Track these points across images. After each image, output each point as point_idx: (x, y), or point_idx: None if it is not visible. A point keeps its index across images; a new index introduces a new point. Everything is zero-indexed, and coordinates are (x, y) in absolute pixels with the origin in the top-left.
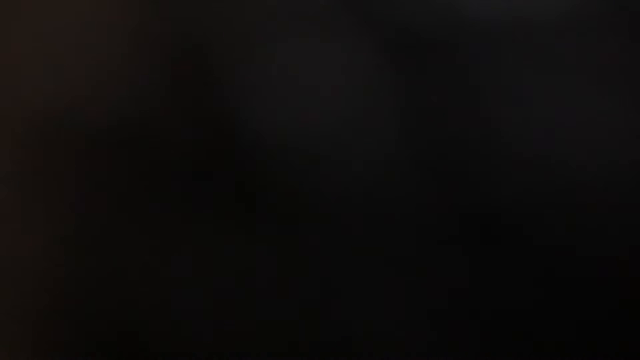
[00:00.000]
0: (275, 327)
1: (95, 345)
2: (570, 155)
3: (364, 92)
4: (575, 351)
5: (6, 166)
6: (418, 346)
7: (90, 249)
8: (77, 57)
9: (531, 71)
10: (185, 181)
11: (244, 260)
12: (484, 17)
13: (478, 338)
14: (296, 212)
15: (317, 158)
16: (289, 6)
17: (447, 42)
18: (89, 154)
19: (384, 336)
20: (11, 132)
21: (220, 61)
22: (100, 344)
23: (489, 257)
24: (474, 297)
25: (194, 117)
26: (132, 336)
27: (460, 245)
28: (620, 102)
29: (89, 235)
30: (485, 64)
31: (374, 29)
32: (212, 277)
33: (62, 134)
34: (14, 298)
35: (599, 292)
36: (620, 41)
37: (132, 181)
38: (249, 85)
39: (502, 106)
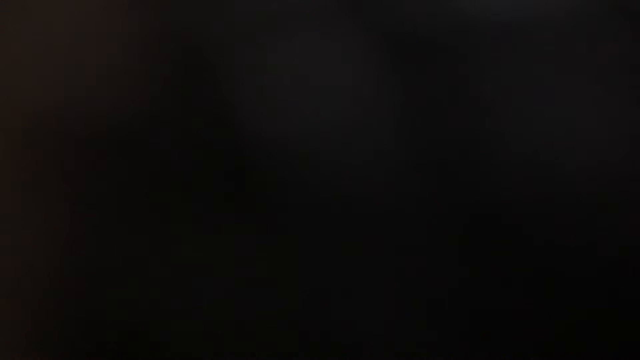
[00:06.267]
0: (275, 327)
1: (95, 345)
2: (570, 155)
3: (364, 92)
4: (576, 351)
5: (5, 166)
6: (417, 346)
7: (89, 248)
8: (76, 57)
9: (531, 71)
10: (185, 181)
11: (243, 260)
12: (484, 17)
13: (478, 338)
14: (296, 211)
15: (317, 158)
16: (289, 6)
17: (447, 42)
18: (88, 153)
19: (383, 336)
20: (10, 132)
21: (220, 61)
22: (100, 344)
23: (489, 257)
24: (474, 296)
25: (194, 117)
26: (132, 336)
27: (460, 244)
28: (621, 102)
29: (88, 235)
30: (485, 64)
31: (374, 29)
32: (212, 277)
33: (62, 134)
34: (13, 298)
35: (599, 292)
36: (620, 41)
37: (132, 181)
38: (249, 85)
39: (502, 106)
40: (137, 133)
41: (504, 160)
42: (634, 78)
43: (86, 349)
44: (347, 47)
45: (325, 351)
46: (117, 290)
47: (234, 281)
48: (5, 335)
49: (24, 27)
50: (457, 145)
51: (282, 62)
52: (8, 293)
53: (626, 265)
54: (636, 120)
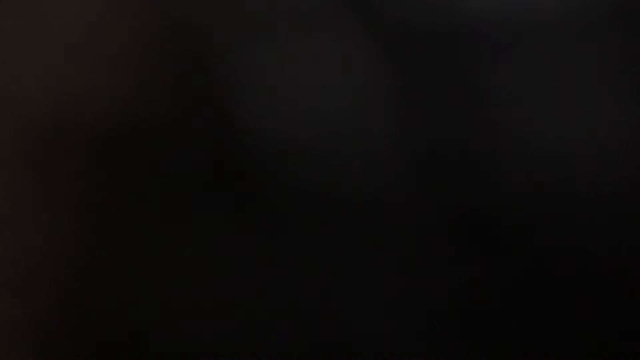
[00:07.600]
0: (274, 327)
1: (95, 345)
2: (570, 155)
3: (364, 92)
4: (575, 351)
5: (6, 166)
6: (418, 346)
7: (89, 249)
8: (77, 57)
9: (531, 71)
10: (185, 181)
11: (243, 260)
12: (484, 17)
13: (478, 338)
14: (296, 211)
15: (316, 158)
16: (289, 6)
17: (447, 42)
18: (89, 153)
19: (384, 336)
20: (11, 132)
21: (220, 61)
22: (100, 344)
23: (489, 257)
24: (474, 297)
25: (194, 117)
26: (132, 336)
27: (460, 245)
28: (620, 101)
29: (88, 235)
30: (485, 64)
31: (374, 28)
32: (212, 277)
33: (62, 134)
34: (14, 298)
35: (599, 292)
36: (620, 41)
37: (132, 181)
38: (249, 85)
39: (502, 106)
40: (137, 133)
41: (504, 160)
42: (633, 78)
43: (86, 349)
44: (346, 47)
45: (325, 351)
46: (117, 290)
47: (233, 281)
48: (5, 335)
49: (24, 28)
50: (457, 145)
51: (281, 62)
52: (8, 293)
53: (626, 265)
54: (636, 120)
